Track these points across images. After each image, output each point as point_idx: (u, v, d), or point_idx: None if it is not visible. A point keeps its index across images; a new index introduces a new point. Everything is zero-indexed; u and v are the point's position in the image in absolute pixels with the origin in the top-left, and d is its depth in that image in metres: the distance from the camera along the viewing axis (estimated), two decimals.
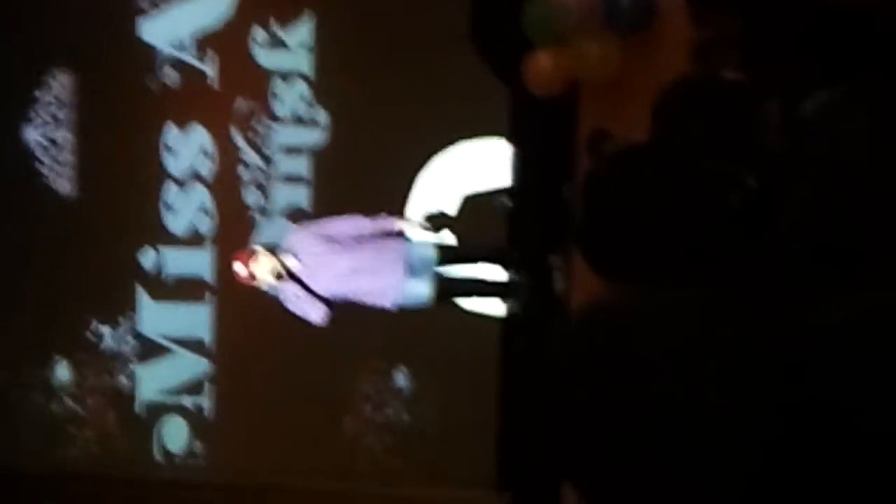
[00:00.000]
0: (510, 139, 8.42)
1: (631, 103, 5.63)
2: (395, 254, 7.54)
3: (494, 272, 8.07)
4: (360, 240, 7.54)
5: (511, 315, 8.27)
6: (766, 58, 3.69)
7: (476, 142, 8.62)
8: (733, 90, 3.46)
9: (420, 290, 7.59)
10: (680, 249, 2.68)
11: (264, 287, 7.51)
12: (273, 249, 7.54)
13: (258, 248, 7.57)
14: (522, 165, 8.39)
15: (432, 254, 7.69)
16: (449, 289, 7.78)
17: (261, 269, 7.39)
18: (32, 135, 9.11)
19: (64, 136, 9.09)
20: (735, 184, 2.68)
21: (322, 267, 7.41)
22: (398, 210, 8.42)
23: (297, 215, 8.83)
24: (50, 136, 9.09)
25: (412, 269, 7.57)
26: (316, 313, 7.45)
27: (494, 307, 8.40)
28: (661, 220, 2.70)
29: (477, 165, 8.63)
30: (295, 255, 7.45)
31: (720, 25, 4.25)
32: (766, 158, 2.75)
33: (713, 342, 1.88)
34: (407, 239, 7.79)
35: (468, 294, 8.03)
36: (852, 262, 2.36)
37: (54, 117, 9.07)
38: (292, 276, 7.41)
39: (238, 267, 7.46)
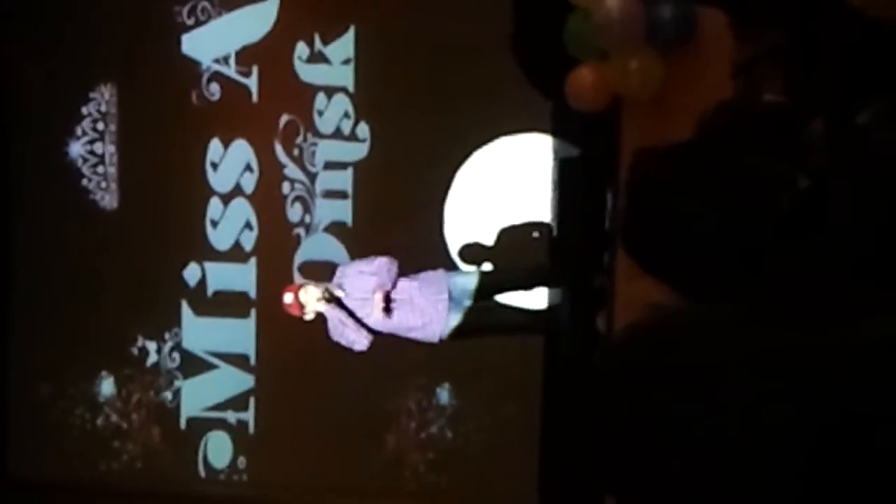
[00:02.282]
0: (551, 156, 8.40)
1: (673, 119, 5.58)
2: (439, 286, 7.52)
3: (533, 300, 8.05)
4: (404, 275, 7.52)
5: (555, 333, 8.23)
6: (808, 75, 3.66)
7: (517, 161, 8.59)
8: (775, 112, 3.42)
9: (453, 324, 7.58)
10: (728, 250, 2.65)
11: (310, 317, 7.51)
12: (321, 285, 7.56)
13: (308, 282, 7.60)
14: (563, 181, 8.37)
15: (473, 286, 7.66)
16: (483, 323, 7.74)
17: (309, 297, 7.41)
18: (78, 150, 9.14)
19: (108, 151, 9.12)
20: (785, 184, 2.64)
21: (367, 301, 7.41)
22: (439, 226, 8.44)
23: (339, 230, 8.83)
24: (95, 152, 9.13)
25: (454, 302, 7.56)
26: (360, 341, 7.46)
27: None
28: (709, 220, 2.67)
29: (513, 186, 8.61)
30: (343, 289, 7.45)
31: (762, 42, 4.21)
32: (814, 165, 2.72)
33: (756, 356, 1.88)
34: (450, 272, 7.78)
35: (502, 330, 7.97)
36: None
37: (99, 133, 9.10)
38: (339, 304, 7.42)
39: (287, 297, 7.48)
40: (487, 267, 8.37)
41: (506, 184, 8.60)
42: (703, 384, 1.89)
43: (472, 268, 8.12)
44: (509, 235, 8.57)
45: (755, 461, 1.84)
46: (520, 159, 8.57)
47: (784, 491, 1.83)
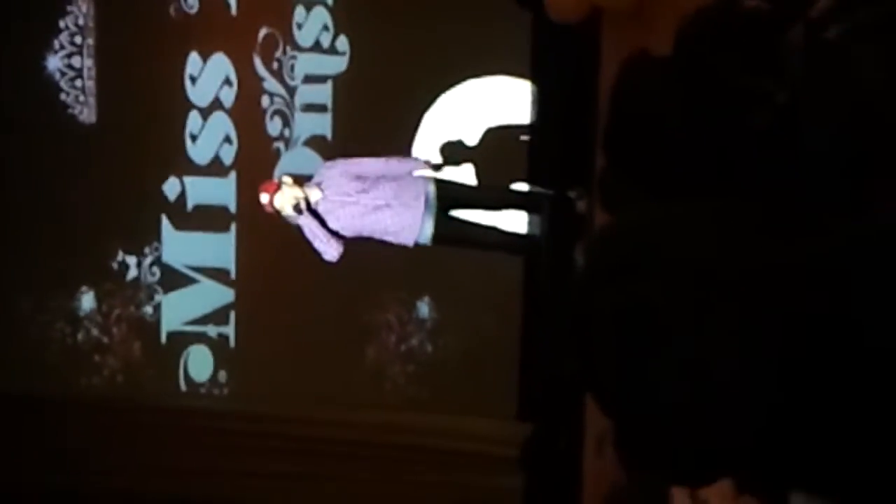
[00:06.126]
0: (531, 69, 8.38)
1: (654, 31, 5.56)
2: (416, 191, 7.51)
3: (510, 222, 8.06)
4: (385, 177, 7.51)
5: (534, 248, 8.25)
6: None
7: (497, 74, 8.57)
8: (755, 18, 3.42)
9: (429, 229, 7.57)
10: (704, 163, 2.67)
11: (286, 217, 7.50)
12: (300, 181, 7.51)
13: (285, 178, 7.52)
14: (544, 95, 8.35)
15: (447, 192, 7.65)
16: (453, 234, 7.75)
17: (283, 200, 7.37)
18: (56, 64, 9.09)
19: (87, 65, 9.07)
20: (763, 100, 2.65)
21: (345, 203, 7.39)
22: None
23: (319, 144, 8.81)
24: (73, 66, 9.07)
25: (430, 208, 7.55)
26: (330, 252, 7.44)
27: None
28: (686, 134, 2.69)
29: (493, 99, 8.59)
30: (321, 189, 7.43)
31: None
32: (791, 80, 2.73)
33: (734, 253, 1.90)
34: (429, 177, 7.75)
35: (474, 244, 7.97)
36: (870, 183, 2.36)
37: (77, 46, 9.05)
38: (312, 212, 7.39)
39: (263, 197, 7.44)
40: (469, 169, 8.38)
41: (485, 98, 8.59)
42: (686, 279, 1.90)
43: (453, 177, 8.10)
44: (492, 136, 8.57)
45: (738, 356, 1.86)
46: (499, 75, 8.56)
47: (763, 392, 1.85)
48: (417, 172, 7.70)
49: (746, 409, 1.88)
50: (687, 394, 1.90)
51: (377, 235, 7.52)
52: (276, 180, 7.55)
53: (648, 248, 1.99)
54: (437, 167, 7.90)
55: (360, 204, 7.38)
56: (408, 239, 7.53)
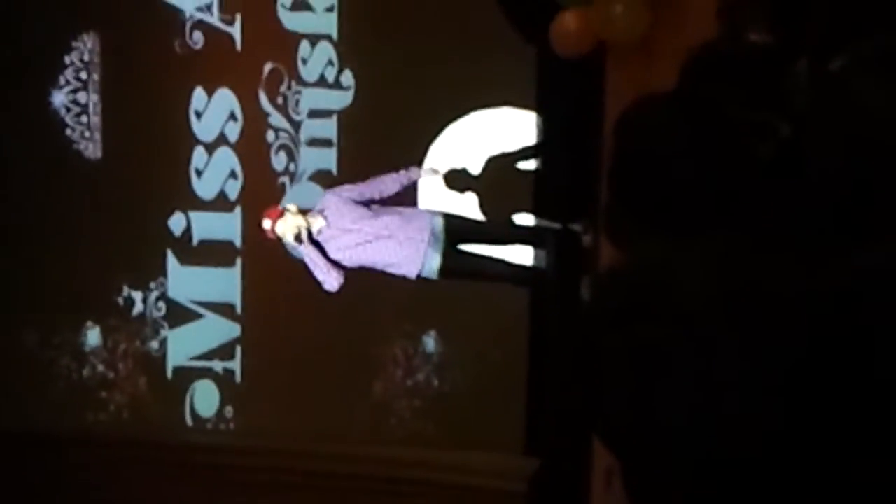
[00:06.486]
0: (536, 102, 8.39)
1: (658, 65, 5.57)
2: (421, 224, 7.50)
3: (516, 255, 8.07)
4: (389, 207, 7.52)
5: (540, 281, 8.25)
6: (792, 15, 3.65)
7: (502, 107, 8.57)
8: (759, 52, 3.43)
9: (434, 263, 7.56)
10: (709, 197, 2.66)
11: (286, 245, 7.51)
12: (304, 210, 7.52)
13: (289, 206, 7.53)
14: (548, 128, 8.36)
15: (455, 227, 7.65)
16: (461, 267, 7.74)
17: (285, 228, 7.37)
18: (61, 100, 9.11)
19: (92, 100, 9.09)
20: (767, 133, 2.65)
21: (347, 231, 7.39)
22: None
23: (324, 178, 8.82)
24: (78, 101, 9.09)
25: (434, 240, 7.54)
26: (329, 281, 7.43)
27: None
28: (691, 168, 2.69)
29: (498, 132, 8.59)
30: (324, 217, 7.43)
31: None
32: (795, 113, 2.73)
33: (741, 290, 1.89)
34: (437, 212, 7.75)
35: (482, 277, 7.97)
36: (875, 213, 2.36)
37: (82, 82, 9.07)
38: (313, 241, 7.38)
39: (265, 223, 7.45)
40: (471, 197, 8.39)
41: (490, 130, 8.59)
42: (691, 321, 1.90)
43: (460, 211, 8.11)
44: (497, 168, 8.57)
45: (742, 398, 1.85)
46: (504, 108, 8.57)
47: (771, 427, 1.85)
48: (423, 180, 7.76)
49: (754, 446, 1.87)
50: (695, 431, 1.90)
51: (379, 266, 7.51)
52: (280, 207, 7.55)
53: (656, 287, 1.98)
54: (437, 172, 7.90)
55: (362, 232, 7.38)
56: (410, 271, 7.52)
